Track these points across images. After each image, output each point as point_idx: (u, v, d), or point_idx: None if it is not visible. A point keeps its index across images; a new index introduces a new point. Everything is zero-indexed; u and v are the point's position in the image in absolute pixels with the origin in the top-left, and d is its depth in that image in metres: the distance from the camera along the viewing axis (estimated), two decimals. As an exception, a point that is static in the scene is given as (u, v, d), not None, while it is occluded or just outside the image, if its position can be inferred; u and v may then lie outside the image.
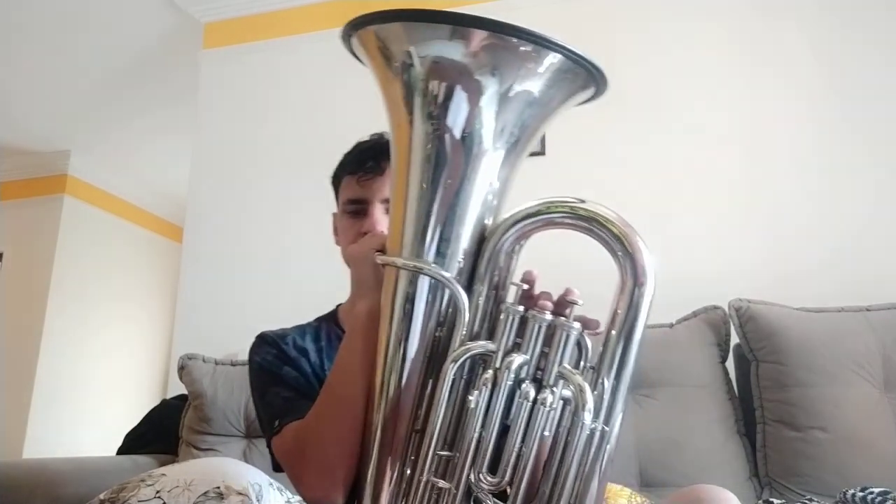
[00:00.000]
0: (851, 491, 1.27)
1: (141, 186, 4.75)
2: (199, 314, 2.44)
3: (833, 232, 1.90)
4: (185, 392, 1.92)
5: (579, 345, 0.69)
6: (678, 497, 0.83)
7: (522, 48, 0.67)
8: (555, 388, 0.66)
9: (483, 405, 0.67)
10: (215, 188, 2.58)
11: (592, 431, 0.65)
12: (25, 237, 4.30)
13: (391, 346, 0.74)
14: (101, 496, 0.76)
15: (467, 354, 0.69)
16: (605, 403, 0.66)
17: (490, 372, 0.67)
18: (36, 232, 4.27)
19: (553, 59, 0.68)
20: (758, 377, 1.60)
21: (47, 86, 3.50)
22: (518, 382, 0.67)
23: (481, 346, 0.69)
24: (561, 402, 0.67)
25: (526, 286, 0.71)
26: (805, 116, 2.01)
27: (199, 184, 2.62)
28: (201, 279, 2.49)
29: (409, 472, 0.71)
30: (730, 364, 1.69)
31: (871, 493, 1.23)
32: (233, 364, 1.87)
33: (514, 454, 0.66)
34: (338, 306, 1.15)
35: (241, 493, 0.73)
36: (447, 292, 0.71)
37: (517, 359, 0.67)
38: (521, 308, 0.69)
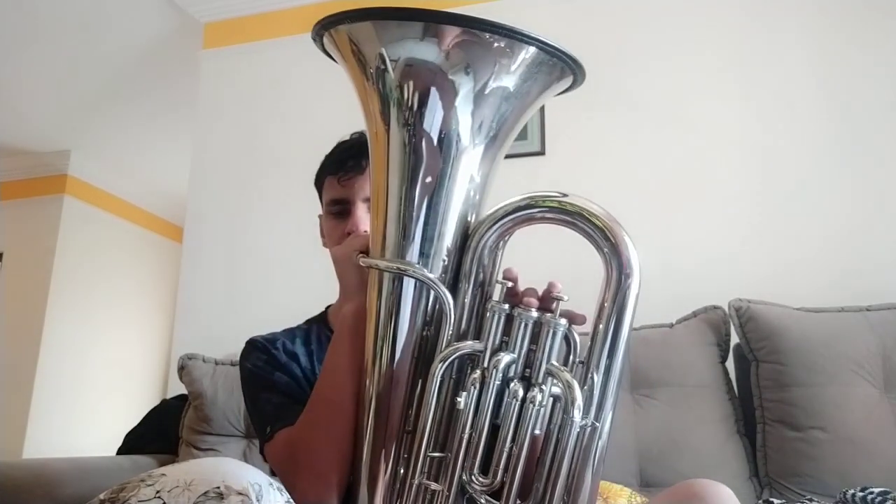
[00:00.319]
0: (851, 491, 1.27)
1: (141, 186, 4.75)
2: (199, 314, 2.44)
3: (833, 232, 1.90)
4: (185, 392, 1.92)
5: (567, 340, 0.69)
6: (674, 491, 0.83)
7: (496, 44, 0.67)
8: (543, 386, 0.66)
9: (472, 405, 0.66)
10: (215, 188, 2.58)
11: (583, 428, 0.65)
12: (25, 237, 4.30)
13: (378, 347, 0.74)
14: (101, 496, 0.76)
15: (455, 355, 0.68)
16: (596, 399, 0.66)
17: (478, 372, 0.67)
18: (36, 232, 4.27)
19: (527, 52, 0.68)
20: (758, 377, 1.60)
21: (47, 85, 3.50)
22: (507, 381, 0.67)
23: (469, 345, 0.69)
24: (550, 399, 0.67)
25: (510, 283, 0.71)
26: (805, 117, 2.01)
27: (199, 184, 2.62)
28: (201, 279, 2.49)
29: (402, 471, 0.71)
30: (730, 364, 1.69)
31: (871, 493, 1.23)
32: (233, 364, 1.87)
33: (505, 454, 0.66)
34: (327, 307, 1.15)
35: (241, 493, 0.73)
36: (433, 292, 0.71)
37: (504, 358, 0.67)
38: (507, 306, 0.69)
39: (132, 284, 4.82)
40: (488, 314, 0.69)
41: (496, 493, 0.66)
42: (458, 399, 0.66)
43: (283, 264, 2.38)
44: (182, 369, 1.89)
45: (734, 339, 1.68)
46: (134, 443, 2.06)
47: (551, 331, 0.67)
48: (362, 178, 1.02)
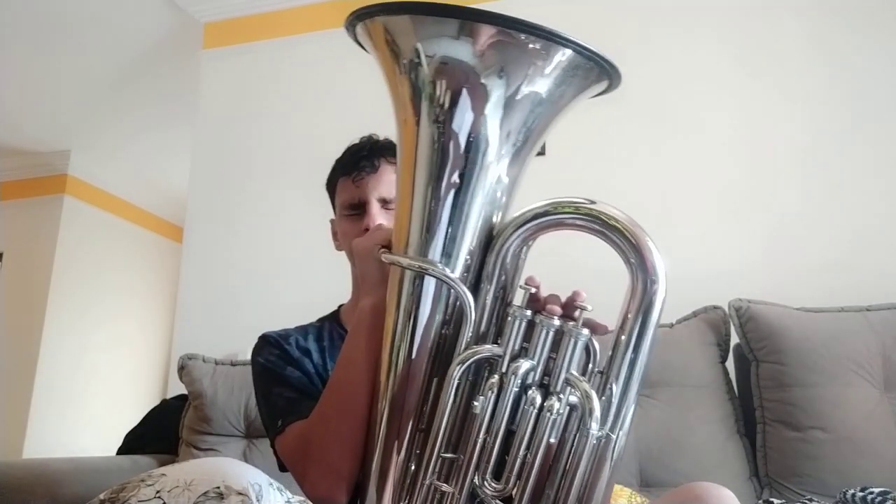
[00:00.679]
0: (851, 491, 1.27)
1: (141, 186, 4.75)
2: (199, 314, 2.44)
3: (833, 232, 1.90)
4: (185, 392, 1.92)
5: (587, 349, 0.68)
6: (675, 495, 0.83)
7: (531, 45, 0.66)
8: (561, 395, 0.65)
9: (488, 410, 0.66)
10: (215, 188, 2.58)
11: (599, 440, 0.64)
12: (25, 237, 4.30)
13: (396, 343, 0.73)
14: (101, 496, 0.76)
15: (473, 358, 0.67)
16: (613, 409, 0.65)
17: (496, 377, 0.66)
18: (36, 232, 4.27)
19: (563, 55, 0.67)
20: (758, 377, 1.60)
21: (47, 86, 3.50)
22: (524, 388, 0.66)
23: (488, 349, 0.68)
24: (567, 408, 0.66)
25: (533, 289, 0.70)
26: (805, 117, 2.01)
27: (199, 184, 2.62)
28: (201, 279, 2.49)
29: (413, 468, 0.70)
30: (730, 364, 1.69)
31: (871, 493, 1.23)
32: (233, 364, 1.87)
33: (519, 461, 0.65)
34: (340, 306, 1.16)
35: (241, 493, 0.73)
36: (453, 291, 0.70)
37: (524, 364, 0.66)
38: (529, 312, 0.68)
39: (132, 284, 4.82)
40: (509, 319, 0.68)
41: (506, 498, 0.66)
42: (475, 403, 0.65)
43: (283, 264, 2.38)
44: (182, 369, 1.88)
45: (734, 339, 1.68)
46: (134, 443, 2.06)
47: (573, 340, 0.66)
48: (376, 178, 1.03)
